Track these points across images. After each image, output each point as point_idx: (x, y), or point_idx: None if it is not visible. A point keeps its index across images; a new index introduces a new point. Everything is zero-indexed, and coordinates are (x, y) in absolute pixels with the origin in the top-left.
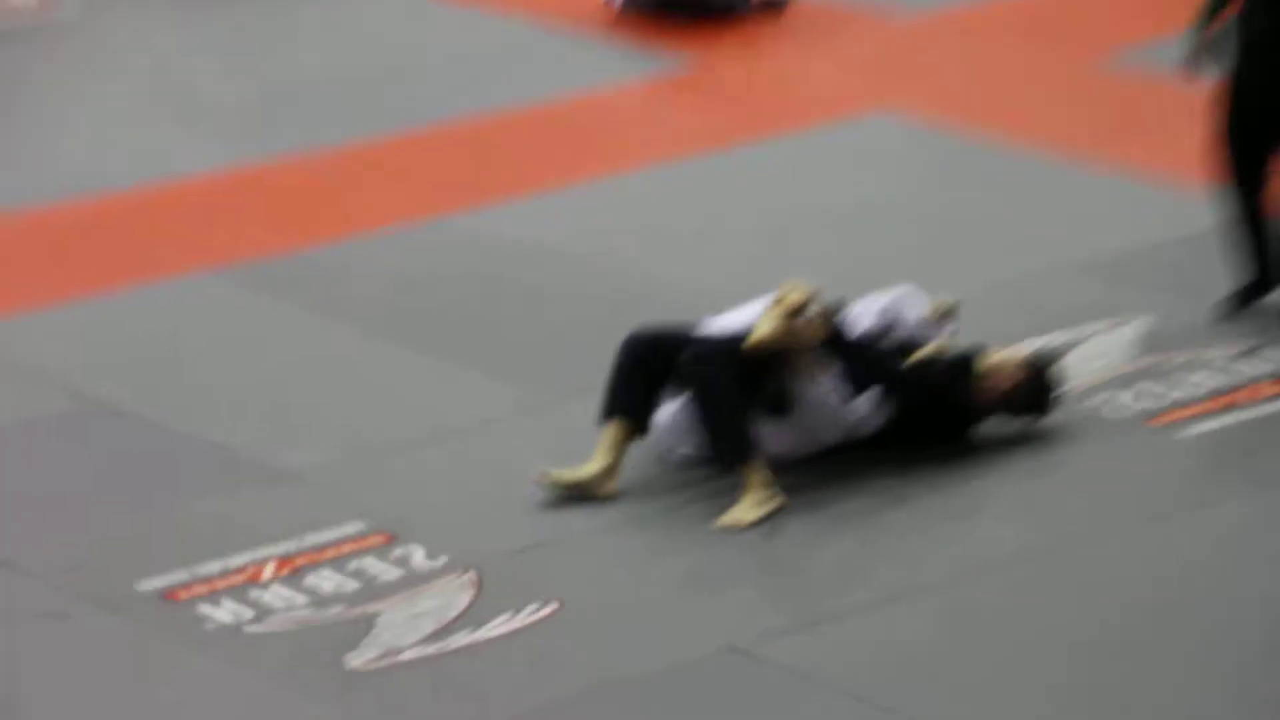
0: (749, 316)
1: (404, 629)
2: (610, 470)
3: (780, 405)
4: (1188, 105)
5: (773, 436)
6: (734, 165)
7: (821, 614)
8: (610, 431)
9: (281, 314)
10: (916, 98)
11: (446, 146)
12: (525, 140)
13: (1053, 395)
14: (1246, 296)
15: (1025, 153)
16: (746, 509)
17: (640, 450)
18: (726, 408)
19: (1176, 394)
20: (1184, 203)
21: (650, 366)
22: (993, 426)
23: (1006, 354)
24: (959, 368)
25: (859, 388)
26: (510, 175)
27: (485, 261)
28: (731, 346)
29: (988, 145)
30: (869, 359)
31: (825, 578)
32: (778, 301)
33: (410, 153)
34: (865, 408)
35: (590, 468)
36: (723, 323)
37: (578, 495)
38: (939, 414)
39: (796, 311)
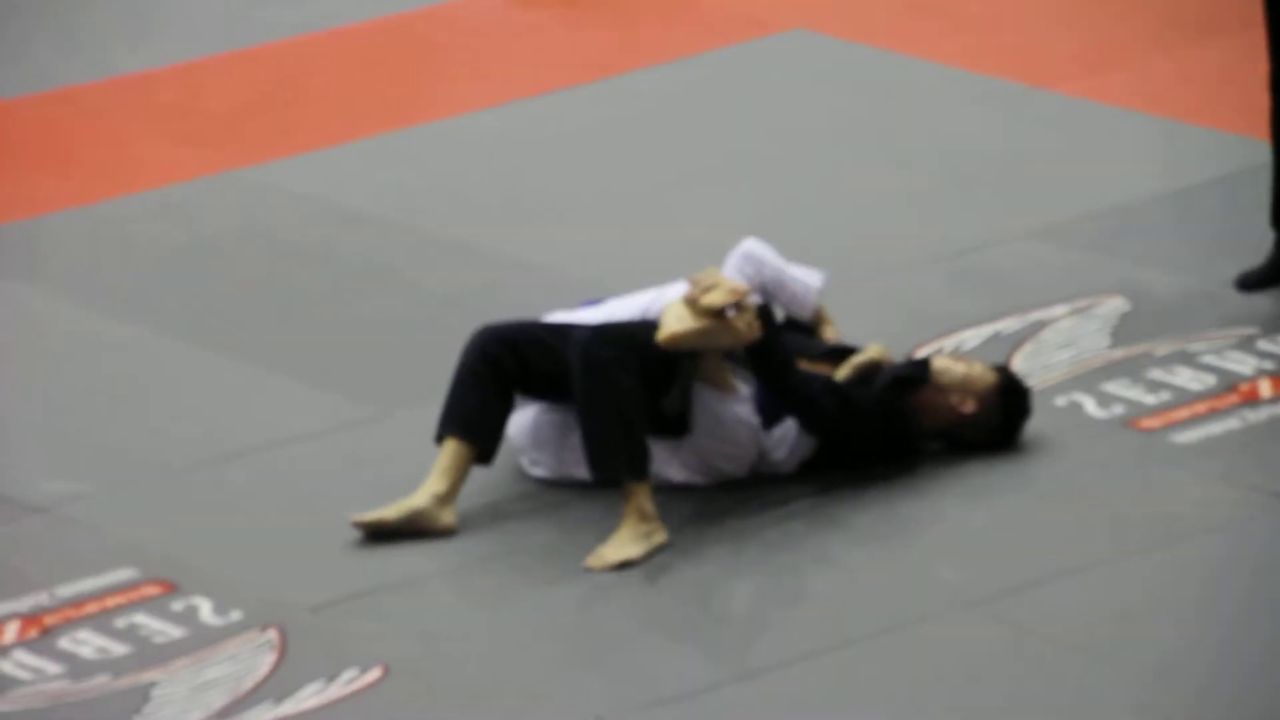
0: (641, 308)
1: (187, 703)
2: (445, 498)
3: (679, 423)
4: (1180, 22)
5: (661, 460)
6: (617, 98)
7: (713, 680)
8: (448, 452)
9: (17, 297)
10: (844, 10)
11: (238, 76)
12: (344, 68)
13: (1021, 426)
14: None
15: (972, 80)
16: (623, 544)
17: (486, 470)
18: (622, 406)
19: (1159, 395)
20: (1174, 148)
21: (504, 373)
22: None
23: (968, 368)
24: (904, 383)
25: (774, 416)
26: (323, 114)
27: (288, 230)
28: (640, 334)
29: (928, 70)
30: (791, 383)
31: (720, 633)
32: (691, 300)
33: (189, 85)
34: (782, 448)
35: (420, 496)
36: (606, 313)
37: (406, 532)
38: (874, 443)
39: (717, 314)
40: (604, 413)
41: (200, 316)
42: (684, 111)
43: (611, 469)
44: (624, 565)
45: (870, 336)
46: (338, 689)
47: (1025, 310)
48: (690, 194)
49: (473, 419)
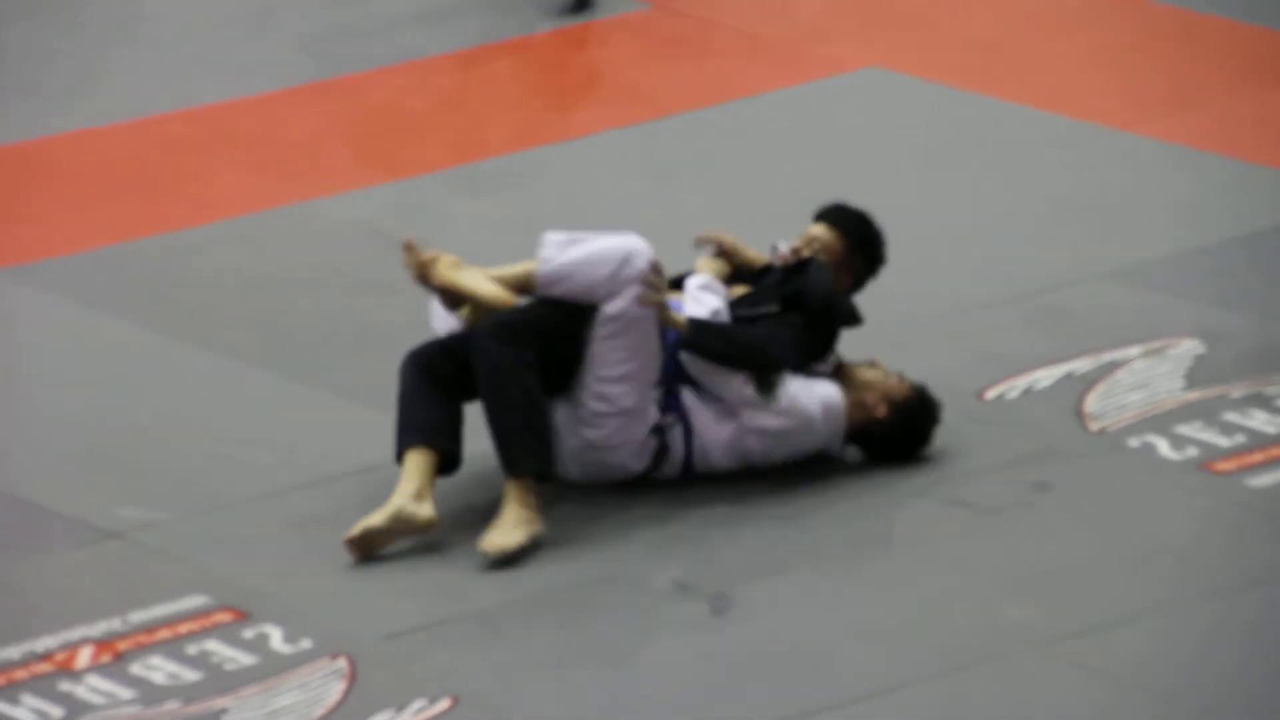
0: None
1: None
2: (419, 494)
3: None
4: (1259, 64)
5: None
6: (692, 134)
7: (782, 714)
8: (410, 463)
9: (95, 325)
10: (917, 50)
11: (309, 111)
12: (412, 103)
13: (930, 435)
14: None
15: (1046, 120)
16: (508, 531)
17: (565, 503)
18: (525, 402)
19: (1234, 438)
20: (1250, 190)
21: (444, 378)
22: (994, 468)
23: (885, 375)
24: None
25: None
26: (390, 147)
27: (362, 261)
28: (535, 320)
29: (1001, 110)
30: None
31: (790, 667)
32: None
33: (268, 116)
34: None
35: (395, 498)
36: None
37: (396, 535)
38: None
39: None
40: (509, 410)
41: (276, 345)
42: (757, 149)
43: (525, 464)
44: (507, 554)
45: (942, 376)
46: (407, 719)
47: (1099, 351)
48: (763, 233)
49: (428, 426)
